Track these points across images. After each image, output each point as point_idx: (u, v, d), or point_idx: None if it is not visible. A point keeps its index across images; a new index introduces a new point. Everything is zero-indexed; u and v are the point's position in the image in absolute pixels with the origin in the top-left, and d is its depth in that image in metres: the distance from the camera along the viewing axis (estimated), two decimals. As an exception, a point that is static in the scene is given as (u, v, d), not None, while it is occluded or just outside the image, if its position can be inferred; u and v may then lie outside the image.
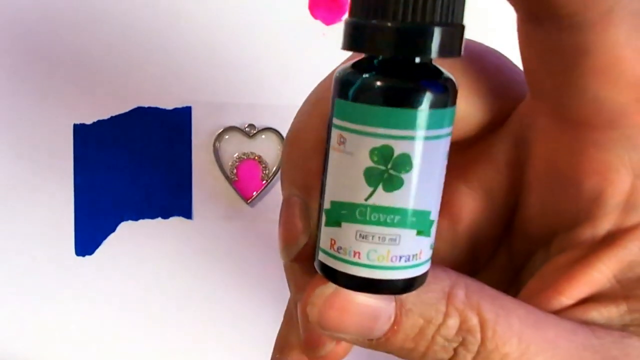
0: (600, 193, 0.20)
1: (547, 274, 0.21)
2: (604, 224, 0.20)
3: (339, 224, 0.18)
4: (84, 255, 0.46)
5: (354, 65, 0.18)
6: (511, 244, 0.23)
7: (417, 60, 0.17)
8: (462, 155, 0.22)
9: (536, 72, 0.19)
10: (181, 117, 0.46)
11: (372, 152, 0.17)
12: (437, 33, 0.17)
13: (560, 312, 0.20)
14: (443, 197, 0.19)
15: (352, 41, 0.17)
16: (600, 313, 0.20)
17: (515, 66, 0.21)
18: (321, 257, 0.19)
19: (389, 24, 0.17)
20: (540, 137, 0.21)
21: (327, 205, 0.19)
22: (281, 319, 0.24)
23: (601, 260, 0.20)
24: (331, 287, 0.19)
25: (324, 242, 0.19)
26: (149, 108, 0.45)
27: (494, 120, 0.21)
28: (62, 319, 0.47)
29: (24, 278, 0.46)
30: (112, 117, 0.45)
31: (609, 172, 0.19)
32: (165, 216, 0.47)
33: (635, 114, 0.18)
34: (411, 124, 0.17)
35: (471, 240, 0.23)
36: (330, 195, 0.18)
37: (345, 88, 0.17)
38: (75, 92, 0.45)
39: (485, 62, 0.21)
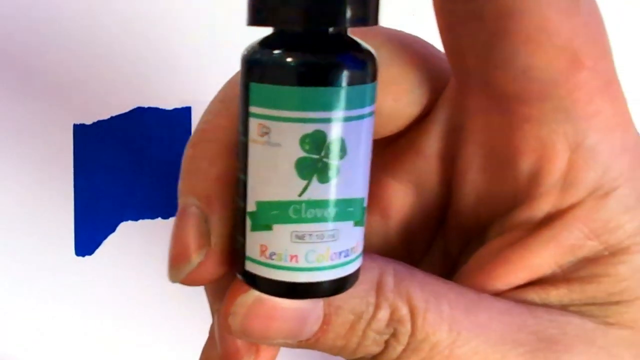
0: (538, 172, 0.19)
1: (481, 258, 0.20)
2: (542, 205, 0.19)
3: (269, 227, 0.16)
4: (84, 255, 0.46)
5: (262, 42, 0.16)
6: (446, 236, 0.22)
7: (331, 31, 0.16)
8: (389, 149, 0.21)
9: (458, 49, 0.18)
10: (181, 118, 0.45)
11: (304, 139, 0.16)
12: None
13: (495, 294, 0.20)
14: (373, 192, 0.18)
15: (256, 15, 0.16)
16: (538, 295, 0.19)
17: (439, 51, 0.20)
18: (250, 267, 0.17)
19: None
20: (470, 120, 0.19)
21: (251, 207, 0.17)
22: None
23: (540, 245, 0.19)
24: (253, 294, 0.18)
25: (251, 250, 0.17)
26: (149, 108, 0.45)
27: (422, 112, 0.20)
28: (62, 319, 0.47)
29: (24, 278, 0.46)
30: (112, 117, 0.45)
31: (545, 149, 0.18)
32: (165, 216, 0.46)
33: (567, 82, 0.17)
34: (339, 104, 0.15)
35: (404, 235, 0.22)
36: (255, 195, 0.17)
37: (258, 69, 0.16)
38: (75, 92, 0.45)
39: (408, 51, 0.20)
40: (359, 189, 0.17)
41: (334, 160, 0.16)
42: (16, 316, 0.46)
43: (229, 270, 0.19)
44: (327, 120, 0.16)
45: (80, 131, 0.45)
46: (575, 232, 0.19)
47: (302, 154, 0.16)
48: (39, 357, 0.47)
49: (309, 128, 0.16)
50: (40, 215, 0.46)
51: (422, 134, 0.21)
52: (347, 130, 0.16)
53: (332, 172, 0.16)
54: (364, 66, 0.16)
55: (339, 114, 0.16)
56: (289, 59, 0.15)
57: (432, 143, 0.21)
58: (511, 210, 0.20)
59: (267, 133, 0.16)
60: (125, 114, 0.45)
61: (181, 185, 0.20)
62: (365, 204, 0.17)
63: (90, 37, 0.44)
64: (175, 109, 0.45)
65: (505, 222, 0.20)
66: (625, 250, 0.19)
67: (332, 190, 0.16)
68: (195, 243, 0.19)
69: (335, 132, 0.16)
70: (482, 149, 0.20)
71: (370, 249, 0.21)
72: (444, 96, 0.20)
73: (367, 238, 0.21)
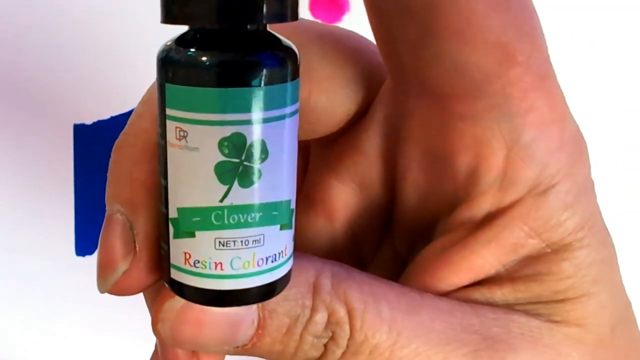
0: (475, 170, 0.18)
1: (425, 259, 0.20)
2: (482, 204, 0.19)
3: (192, 234, 0.16)
4: (84, 255, 0.46)
5: (177, 40, 0.15)
6: (394, 236, 0.22)
7: (249, 28, 0.15)
8: (331, 149, 0.21)
9: (391, 46, 0.18)
10: (181, 118, 0.45)
11: (222, 143, 0.15)
12: None
13: (440, 295, 0.19)
14: (317, 194, 0.17)
15: (169, 12, 0.15)
16: (483, 295, 0.19)
17: (376, 46, 0.19)
18: (175, 275, 0.17)
19: None
20: (407, 118, 0.19)
21: (173, 213, 0.16)
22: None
23: (482, 245, 0.19)
24: (181, 299, 0.17)
25: (175, 258, 0.16)
26: (149, 108, 0.45)
27: (360, 109, 0.20)
28: (62, 319, 0.47)
29: (24, 278, 0.46)
30: (112, 117, 0.45)
31: (481, 147, 0.18)
32: (165, 217, 0.46)
33: (499, 78, 0.16)
34: (258, 104, 0.15)
35: (352, 236, 0.21)
36: (176, 201, 0.16)
37: (172, 69, 0.15)
38: (75, 92, 0.45)
39: (341, 47, 0.19)
40: (284, 192, 0.16)
41: (255, 164, 0.15)
42: (16, 316, 0.47)
43: (158, 277, 0.18)
44: (246, 122, 0.15)
45: (80, 131, 0.45)
46: (516, 231, 0.18)
47: (222, 158, 0.15)
48: (39, 357, 0.47)
49: (228, 131, 0.15)
50: (40, 215, 0.46)
51: (362, 132, 0.20)
52: (268, 132, 0.15)
53: (254, 176, 0.15)
54: (283, 64, 0.15)
55: (258, 115, 0.15)
56: (203, 59, 0.15)
57: (372, 142, 0.20)
58: (453, 210, 0.19)
59: (184, 137, 0.15)
60: (125, 114, 0.45)
61: (107, 191, 0.19)
62: (292, 205, 0.16)
63: (90, 37, 0.44)
64: (175, 109, 0.45)
65: (448, 222, 0.20)
66: (567, 247, 0.19)
67: (255, 195, 0.16)
68: (121, 251, 0.18)
69: (255, 134, 0.15)
70: (420, 147, 0.19)
71: (317, 252, 0.21)
72: (381, 93, 0.20)
73: (313, 241, 0.20)
